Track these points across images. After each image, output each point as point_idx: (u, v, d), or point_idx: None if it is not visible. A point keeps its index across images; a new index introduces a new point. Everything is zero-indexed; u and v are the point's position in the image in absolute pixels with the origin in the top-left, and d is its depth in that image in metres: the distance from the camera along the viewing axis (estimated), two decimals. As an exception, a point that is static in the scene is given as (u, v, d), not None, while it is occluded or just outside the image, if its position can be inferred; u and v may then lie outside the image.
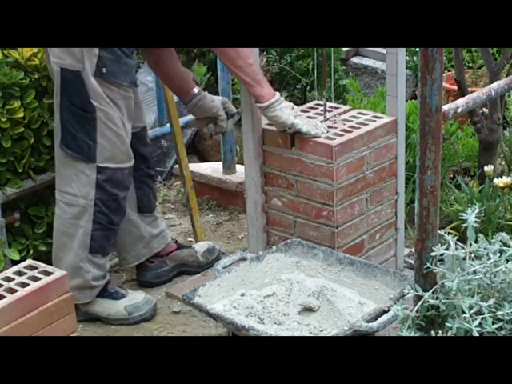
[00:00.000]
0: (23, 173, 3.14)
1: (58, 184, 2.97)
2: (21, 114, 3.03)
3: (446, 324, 1.99)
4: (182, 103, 3.37)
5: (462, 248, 2.06)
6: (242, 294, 2.62)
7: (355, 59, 5.66)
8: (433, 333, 2.00)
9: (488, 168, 3.45)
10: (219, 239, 3.73)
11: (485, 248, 2.08)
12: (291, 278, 2.69)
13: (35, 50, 3.07)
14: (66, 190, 2.94)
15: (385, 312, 2.42)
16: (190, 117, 3.69)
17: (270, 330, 2.45)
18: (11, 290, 2.21)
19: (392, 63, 2.96)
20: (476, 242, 2.09)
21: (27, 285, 2.24)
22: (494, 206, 3.34)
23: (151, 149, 3.27)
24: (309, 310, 2.58)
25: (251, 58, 2.83)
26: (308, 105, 3.22)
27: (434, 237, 2.07)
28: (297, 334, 2.47)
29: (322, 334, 2.47)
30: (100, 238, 2.97)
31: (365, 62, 5.62)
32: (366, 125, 2.97)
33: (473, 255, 2.07)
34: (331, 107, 3.12)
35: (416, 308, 2.06)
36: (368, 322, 2.38)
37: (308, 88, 4.74)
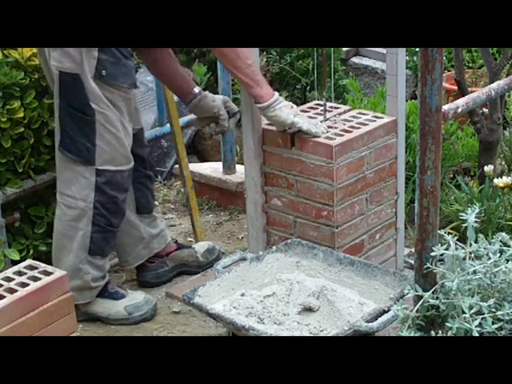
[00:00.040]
0: (23, 173, 3.14)
1: (59, 186, 2.98)
2: (21, 114, 3.03)
3: (446, 324, 1.99)
4: (182, 103, 3.37)
5: (462, 248, 2.06)
6: (242, 294, 2.62)
7: (355, 59, 5.66)
8: (433, 333, 2.00)
9: (488, 168, 3.45)
10: (219, 239, 3.73)
11: (485, 248, 2.08)
12: (291, 277, 2.69)
13: (35, 49, 3.07)
14: (65, 192, 2.95)
15: (385, 312, 2.42)
16: (190, 117, 3.70)
17: (270, 329, 2.45)
18: (11, 290, 2.21)
19: (392, 63, 2.96)
20: (476, 242, 2.10)
21: (27, 285, 2.24)
22: (493, 205, 3.34)
23: (148, 150, 3.27)
24: (309, 310, 2.58)
25: (250, 58, 2.83)
26: (308, 105, 3.22)
27: (434, 237, 2.07)
28: (297, 333, 2.47)
29: (322, 334, 2.47)
30: (99, 239, 2.97)
31: (365, 62, 5.63)
32: (366, 125, 2.97)
33: (473, 255, 2.07)
34: (331, 107, 3.12)
35: (416, 308, 2.06)
36: (368, 321, 2.38)
37: (308, 88, 4.74)
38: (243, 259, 2.79)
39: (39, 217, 3.23)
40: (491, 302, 1.98)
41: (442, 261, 2.08)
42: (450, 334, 1.97)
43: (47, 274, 2.28)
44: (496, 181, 3.31)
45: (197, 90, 3.12)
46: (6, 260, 3.02)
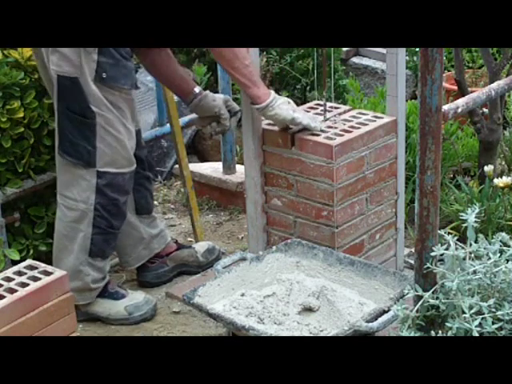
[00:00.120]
0: (23, 173, 3.14)
1: (59, 188, 2.98)
2: (21, 114, 3.03)
3: (446, 324, 1.99)
4: (182, 103, 3.36)
5: (462, 248, 2.06)
6: (242, 294, 2.62)
7: (355, 59, 5.66)
8: (433, 333, 2.00)
9: (488, 168, 3.45)
10: (219, 239, 3.73)
11: (485, 248, 2.08)
12: (291, 277, 2.69)
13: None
14: (66, 194, 2.94)
15: (385, 312, 2.42)
16: (190, 117, 3.70)
17: (270, 329, 2.45)
18: (11, 290, 2.21)
19: (392, 63, 2.96)
20: (476, 242, 2.10)
21: (27, 285, 2.24)
22: (493, 205, 3.34)
23: (146, 151, 3.26)
24: (309, 309, 2.58)
25: (248, 59, 2.84)
26: (308, 105, 3.22)
27: (434, 237, 2.07)
28: (297, 334, 2.47)
29: (322, 334, 2.47)
30: (100, 241, 2.97)
31: (365, 62, 5.63)
32: (366, 125, 2.97)
33: (473, 255, 2.07)
34: (331, 107, 3.12)
35: (416, 308, 2.06)
36: (368, 321, 2.38)
37: (308, 88, 4.74)
38: (243, 259, 2.79)
39: (39, 217, 3.23)
40: (491, 302, 1.98)
41: (442, 261, 2.08)
42: (450, 333, 1.97)
43: (47, 274, 2.28)
44: (496, 181, 3.31)
45: (197, 89, 3.11)
46: (6, 260, 3.02)
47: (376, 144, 2.96)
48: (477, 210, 2.08)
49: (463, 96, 3.02)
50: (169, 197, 4.22)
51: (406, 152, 3.46)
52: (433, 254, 2.05)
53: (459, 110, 2.53)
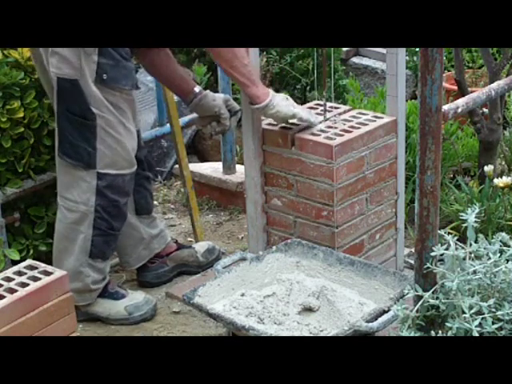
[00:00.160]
0: (23, 173, 3.14)
1: (59, 189, 2.98)
2: (21, 114, 3.03)
3: (446, 324, 1.99)
4: (182, 103, 3.36)
5: (462, 248, 2.06)
6: (242, 294, 2.62)
7: (355, 59, 5.66)
8: (433, 333, 2.01)
9: (488, 168, 3.45)
10: (219, 239, 3.73)
11: (485, 248, 2.08)
12: (291, 277, 2.69)
13: (35, 51, 3.08)
14: (66, 195, 2.94)
15: (385, 312, 2.42)
16: (190, 117, 3.70)
17: (270, 330, 2.45)
18: (11, 290, 2.21)
19: (392, 63, 2.96)
20: (476, 242, 2.10)
21: (27, 285, 2.23)
22: (493, 205, 3.34)
23: (146, 151, 3.26)
24: (309, 309, 2.58)
25: (246, 58, 2.84)
26: (308, 105, 3.22)
27: (434, 237, 2.07)
28: (297, 334, 2.47)
29: (322, 334, 2.47)
30: (100, 243, 2.97)
31: (365, 62, 5.63)
32: (366, 125, 2.97)
33: (473, 255, 2.07)
34: (331, 107, 3.12)
35: (416, 308, 2.06)
36: (368, 321, 2.38)
37: (308, 88, 4.75)
38: (243, 259, 2.79)
39: (39, 217, 3.23)
40: (491, 302, 1.98)
41: (442, 261, 2.08)
42: (450, 334, 1.97)
43: (47, 274, 2.28)
44: (496, 181, 3.31)
45: (197, 89, 3.11)
46: (6, 260, 3.02)
47: (376, 144, 2.96)
48: (477, 210, 2.08)
49: (463, 96, 3.02)
50: (169, 197, 4.22)
51: (406, 152, 3.46)
52: (433, 254, 2.05)
53: (459, 110, 2.53)
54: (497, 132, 3.64)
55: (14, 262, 2.86)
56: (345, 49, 5.49)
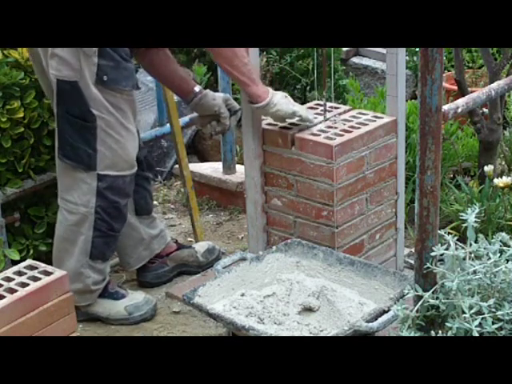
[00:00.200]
0: (23, 173, 3.14)
1: (60, 191, 2.97)
2: (21, 114, 3.03)
3: (446, 324, 1.99)
4: (182, 103, 3.36)
5: (462, 248, 2.06)
6: (242, 294, 2.62)
7: (355, 59, 5.66)
8: (433, 333, 2.01)
9: (488, 168, 3.45)
10: (219, 239, 3.73)
11: (485, 248, 2.08)
12: (291, 277, 2.69)
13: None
14: (67, 197, 2.94)
15: (385, 312, 2.42)
16: (190, 117, 3.70)
17: (270, 330, 2.45)
18: (11, 290, 2.21)
19: (392, 63, 2.96)
20: (476, 242, 2.10)
21: (27, 285, 2.23)
22: (493, 205, 3.34)
23: (145, 151, 3.26)
24: (309, 309, 2.58)
25: (246, 57, 2.84)
26: (308, 105, 3.22)
27: (434, 237, 2.07)
28: (297, 334, 2.47)
29: (322, 334, 2.47)
30: (101, 244, 2.97)
31: (365, 62, 5.63)
32: (366, 125, 2.97)
33: (473, 255, 2.07)
34: (331, 107, 3.12)
35: (416, 308, 2.06)
36: (368, 321, 2.38)
37: (308, 88, 4.74)
38: (243, 259, 2.79)
39: (39, 217, 3.23)
40: (491, 302, 1.98)
41: (442, 261, 2.08)
42: (450, 334, 1.97)
43: (47, 274, 2.28)
44: (496, 181, 3.31)
45: (197, 88, 3.12)
46: (6, 260, 3.02)
47: (376, 144, 2.96)
48: (477, 210, 2.08)
49: (463, 96, 3.02)
50: (169, 197, 4.22)
51: (406, 152, 3.46)
52: (433, 254, 2.05)
53: (459, 110, 2.53)
54: (497, 132, 3.64)
55: (14, 262, 2.86)
56: (345, 49, 5.49)
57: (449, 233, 2.13)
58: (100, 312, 3.08)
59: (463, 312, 1.96)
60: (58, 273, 2.29)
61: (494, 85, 2.79)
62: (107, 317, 3.08)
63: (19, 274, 2.29)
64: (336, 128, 2.95)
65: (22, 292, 2.20)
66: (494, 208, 3.34)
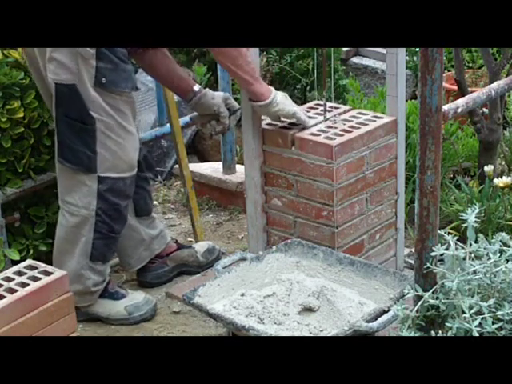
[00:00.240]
0: (23, 173, 3.14)
1: (60, 193, 2.97)
2: (21, 114, 3.03)
3: (446, 324, 1.99)
4: (182, 103, 3.35)
5: (462, 248, 2.06)
6: (242, 294, 2.62)
7: (355, 59, 5.66)
8: (433, 333, 2.00)
9: (488, 168, 3.45)
10: (219, 239, 3.73)
11: (485, 248, 2.08)
12: (291, 277, 2.69)
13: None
14: (67, 199, 2.94)
15: (385, 312, 2.42)
16: (190, 116, 3.70)
17: (270, 330, 2.45)
18: (11, 290, 2.21)
19: (392, 63, 2.96)
20: (476, 242, 2.09)
21: (27, 285, 2.23)
22: (493, 205, 3.34)
23: (143, 152, 3.26)
24: (309, 309, 2.58)
25: (249, 56, 2.85)
26: (308, 105, 3.22)
27: (434, 237, 2.07)
28: (297, 334, 2.47)
29: (322, 334, 2.47)
30: (101, 246, 2.97)
31: (365, 62, 5.63)
32: (366, 125, 2.97)
33: (473, 255, 2.07)
34: (331, 107, 3.12)
35: (416, 308, 2.06)
36: (368, 321, 2.38)
37: (308, 88, 4.74)
38: (243, 259, 2.79)
39: (39, 217, 3.23)
40: (491, 302, 1.98)
41: (442, 261, 2.08)
42: (450, 334, 1.97)
43: (47, 274, 2.28)
44: (496, 181, 3.31)
45: (196, 87, 3.12)
46: (6, 260, 3.02)
47: (376, 144, 2.96)
48: (477, 210, 2.08)
49: (463, 96, 3.02)
50: (169, 197, 4.22)
51: (406, 152, 3.46)
52: (433, 254, 2.05)
53: (459, 110, 2.53)
54: (497, 132, 3.64)
55: (14, 262, 2.86)
56: (345, 49, 5.49)
57: (449, 233, 2.13)
58: (100, 312, 3.08)
59: (463, 312, 1.96)
60: (58, 273, 2.29)
61: (494, 85, 2.79)
62: (107, 317, 3.08)
63: (19, 274, 2.29)
64: (336, 128, 2.95)
65: (21, 292, 2.20)
66: (494, 208, 3.34)
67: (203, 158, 4.70)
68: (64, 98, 2.81)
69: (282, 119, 2.98)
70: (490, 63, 3.58)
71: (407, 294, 2.10)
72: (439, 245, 2.05)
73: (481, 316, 1.96)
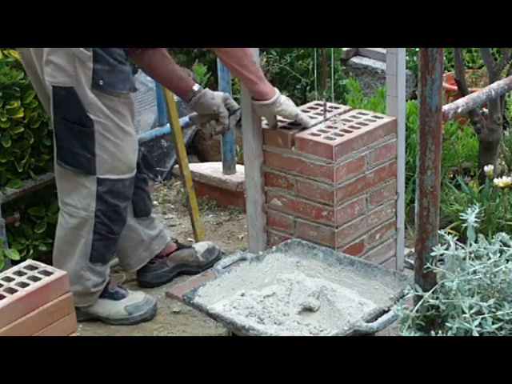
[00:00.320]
0: (23, 173, 3.14)
1: (60, 195, 2.97)
2: (21, 114, 3.03)
3: (446, 324, 1.99)
4: (182, 103, 3.35)
5: (462, 248, 2.06)
6: (242, 294, 2.62)
7: (355, 59, 5.66)
8: (433, 333, 2.01)
9: (488, 168, 3.45)
10: (219, 239, 3.73)
11: (485, 248, 2.08)
12: (291, 277, 2.69)
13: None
14: (67, 201, 2.94)
15: (385, 312, 2.42)
16: (190, 116, 3.70)
17: (270, 330, 2.45)
18: (11, 290, 2.21)
19: (392, 63, 2.96)
20: (476, 242, 2.10)
21: (27, 285, 2.23)
22: (493, 205, 3.34)
23: (142, 153, 3.25)
24: (309, 309, 2.58)
25: (254, 56, 2.86)
26: (308, 105, 3.22)
27: (434, 237, 2.07)
28: (297, 334, 2.47)
29: (322, 334, 2.47)
30: (101, 247, 2.97)
31: (365, 62, 5.63)
32: (366, 125, 2.97)
33: (473, 255, 2.07)
34: (331, 107, 3.12)
35: (416, 308, 2.06)
36: (368, 321, 2.38)
37: (308, 88, 4.74)
38: (243, 259, 2.79)
39: (39, 217, 3.23)
40: (491, 302, 1.98)
41: (442, 261, 2.08)
42: (450, 334, 1.97)
43: (47, 274, 2.28)
44: (496, 181, 3.31)
45: (196, 87, 3.11)
46: (6, 260, 3.02)
47: (376, 144, 2.96)
48: (477, 210, 2.08)
49: (463, 96, 3.02)
50: (169, 197, 4.22)
51: (406, 152, 3.46)
52: (433, 254, 2.05)
53: (459, 110, 2.53)
54: (497, 132, 3.64)
55: (14, 262, 2.86)
56: (345, 49, 5.49)
57: (449, 233, 2.13)
58: (100, 312, 3.08)
59: (463, 312, 1.96)
60: (58, 273, 2.29)
61: (494, 85, 2.79)
62: (107, 317, 3.08)
63: (19, 274, 2.29)
64: (336, 128, 2.95)
65: (21, 292, 2.20)
66: (494, 208, 3.34)
67: (203, 158, 4.71)
68: (62, 101, 2.81)
69: (282, 119, 2.98)
70: (490, 63, 3.58)
71: (407, 293, 2.10)
72: (439, 245, 2.05)
73: (481, 316, 1.96)
